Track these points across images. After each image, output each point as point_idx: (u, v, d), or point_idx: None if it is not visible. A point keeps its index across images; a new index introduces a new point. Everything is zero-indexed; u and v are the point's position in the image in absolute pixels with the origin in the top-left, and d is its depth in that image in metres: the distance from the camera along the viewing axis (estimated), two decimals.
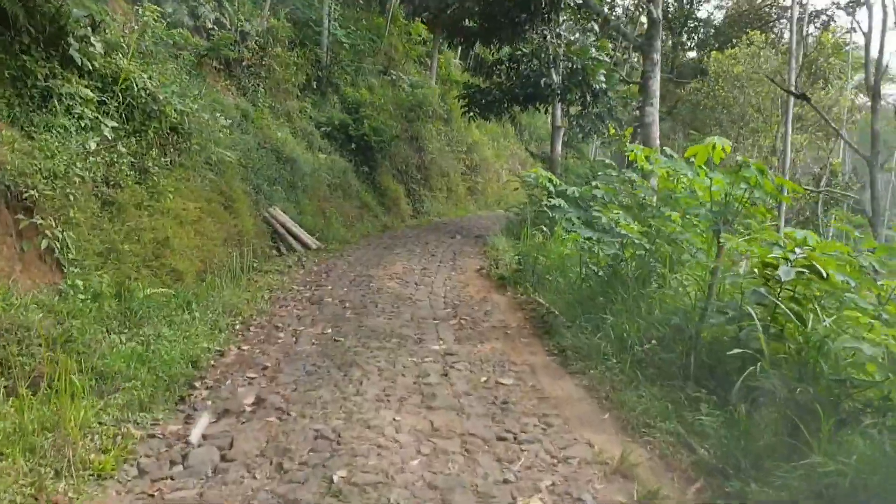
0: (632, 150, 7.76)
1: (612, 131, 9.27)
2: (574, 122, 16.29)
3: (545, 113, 17.61)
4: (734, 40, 18.89)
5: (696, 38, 26.74)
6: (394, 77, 20.92)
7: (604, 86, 14.97)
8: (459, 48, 24.44)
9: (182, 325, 6.56)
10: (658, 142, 12.11)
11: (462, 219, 20.18)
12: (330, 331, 7.17)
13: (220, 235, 9.81)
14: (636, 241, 7.00)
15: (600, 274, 8.05)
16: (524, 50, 15.68)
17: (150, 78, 8.54)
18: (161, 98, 8.58)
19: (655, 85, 10.34)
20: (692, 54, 28.15)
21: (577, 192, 10.25)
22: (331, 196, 16.03)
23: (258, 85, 15.27)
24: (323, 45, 18.51)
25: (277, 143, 14.30)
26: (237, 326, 7.28)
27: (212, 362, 5.88)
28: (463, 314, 8.08)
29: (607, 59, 15.38)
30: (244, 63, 14.87)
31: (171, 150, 9.02)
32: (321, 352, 6.31)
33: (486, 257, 12.02)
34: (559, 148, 14.31)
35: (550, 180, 11.49)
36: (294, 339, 6.90)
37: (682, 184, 7.10)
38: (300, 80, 17.23)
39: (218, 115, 11.70)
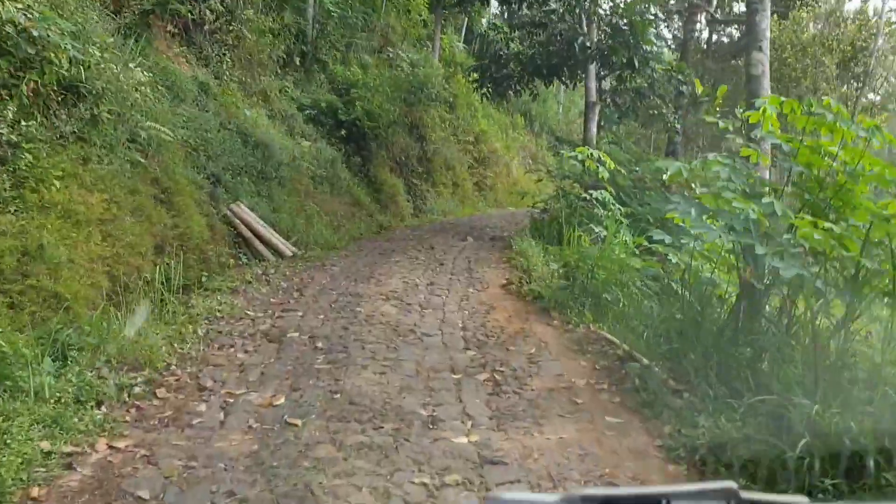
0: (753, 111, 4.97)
1: (700, 88, 6.59)
2: (608, 100, 13.54)
3: (573, 88, 14.70)
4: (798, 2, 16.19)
5: None
6: (391, 55, 18.09)
7: (655, 48, 12.20)
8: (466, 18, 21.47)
9: (23, 399, 3.77)
10: None
11: (471, 218, 17.36)
12: (283, 400, 4.36)
13: (145, 242, 6.99)
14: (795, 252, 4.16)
15: (711, 302, 5.27)
16: (553, 5, 12.84)
17: (23, 7, 5.72)
18: (42, 37, 5.75)
19: (765, 23, 7.39)
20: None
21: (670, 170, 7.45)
22: (314, 190, 13.21)
23: (224, 54, 12.46)
24: (308, 14, 15.69)
25: (245, 123, 11.48)
26: (136, 390, 4.47)
27: (35, 491, 3.05)
28: (496, 361, 5.27)
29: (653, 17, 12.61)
30: (206, 27, 12.05)
31: (64, 117, 6.19)
32: (255, 460, 3.48)
33: (512, 267, 9.21)
34: (594, 129, 11.58)
35: (602, 161, 8.68)
36: (221, 417, 4.09)
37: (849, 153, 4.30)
38: (278, 52, 14.41)
39: (160, 84, 9.00)
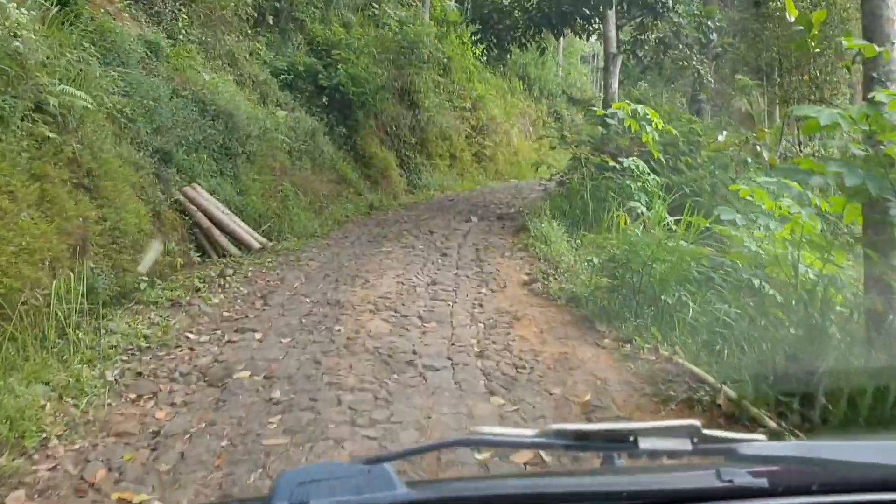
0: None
1: (794, 11, 4.80)
2: (629, 52, 11.68)
3: (586, 40, 12.69)
4: None
5: None
6: (376, 12, 16.12)
7: None
8: None
9: None
10: None
11: (472, 193, 15.56)
12: None
13: (53, 244, 5.24)
14: None
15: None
16: None
17: None
18: None
19: None
20: None
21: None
22: (291, 167, 11.41)
23: (179, 10, 10.57)
24: None
25: (204, 90, 9.63)
26: None
27: None
28: (536, 419, 3.52)
29: None
30: None
31: None
32: None
33: (531, 256, 7.46)
34: (615, 85, 9.76)
35: (648, 119, 6.91)
36: None
37: None
38: (247, 9, 12.49)
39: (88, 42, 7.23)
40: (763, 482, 0.97)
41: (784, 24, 13.57)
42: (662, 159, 7.86)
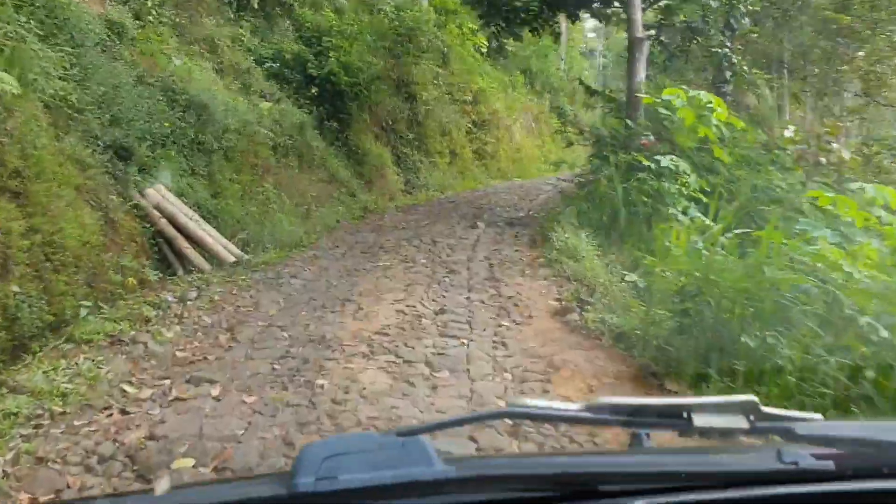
0: None
1: None
2: (653, 39, 10.43)
3: (605, 24, 11.32)
4: None
5: None
6: None
7: None
8: None
9: None
10: None
11: (475, 194, 14.35)
12: None
13: None
14: None
15: None
16: None
17: None
18: None
19: None
20: None
21: None
22: (276, 165, 10.19)
23: None
24: None
25: (174, 77, 8.40)
26: None
27: None
28: None
29: None
30: None
31: None
32: None
33: (556, 274, 6.24)
34: (642, 73, 8.50)
35: (710, 108, 5.71)
36: None
37: None
38: None
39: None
40: (829, 465, 0.90)
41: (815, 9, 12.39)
42: (727, 158, 6.64)
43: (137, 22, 8.86)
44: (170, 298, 5.33)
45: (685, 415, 0.91)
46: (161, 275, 6.14)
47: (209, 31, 10.67)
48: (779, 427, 0.95)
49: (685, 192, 7.28)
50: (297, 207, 9.71)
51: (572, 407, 0.94)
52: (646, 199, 7.27)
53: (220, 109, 8.81)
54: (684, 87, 7.88)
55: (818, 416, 1.02)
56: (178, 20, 9.75)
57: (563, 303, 5.23)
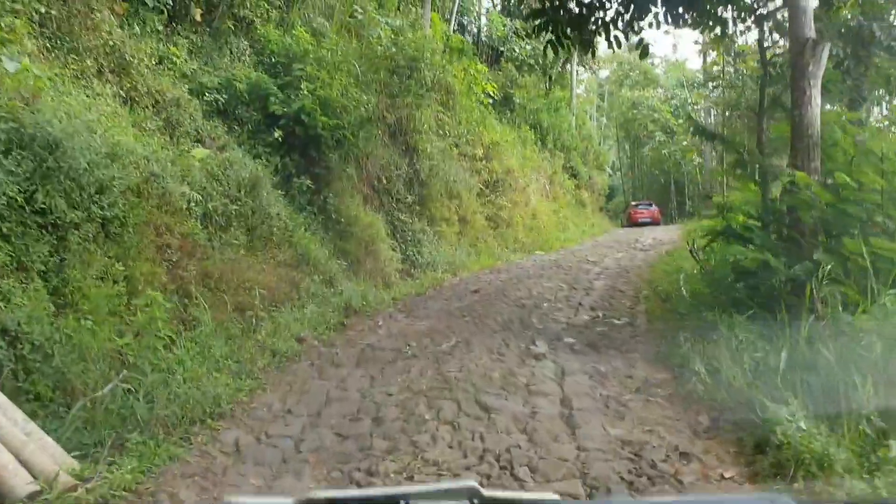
0: None
1: None
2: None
3: (730, 32, 7.44)
4: None
5: None
6: (360, 17, 11.33)
7: None
8: None
9: None
10: None
11: (498, 277, 10.58)
12: None
13: None
14: None
15: None
16: None
17: None
18: None
19: None
20: None
21: None
22: (207, 244, 6.41)
23: None
24: None
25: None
26: None
27: None
28: None
29: None
30: None
31: None
32: None
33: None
34: (817, 95, 4.96)
35: None
36: None
37: None
38: None
39: None
40: None
41: None
42: None
43: None
44: None
45: (402, 503, 0.89)
46: None
47: (113, 41, 6.99)
48: None
49: None
50: (234, 315, 5.86)
51: (286, 502, 0.91)
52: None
53: (96, 153, 5.04)
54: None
55: (552, 495, 1.00)
56: (48, 12, 6.06)
57: None
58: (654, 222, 29.32)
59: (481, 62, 17.20)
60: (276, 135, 8.67)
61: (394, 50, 10.87)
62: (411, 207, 11.52)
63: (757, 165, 6.38)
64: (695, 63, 53.33)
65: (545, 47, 7.36)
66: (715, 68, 19.57)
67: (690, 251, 7.60)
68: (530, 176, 19.11)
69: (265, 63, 9.60)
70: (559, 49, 6.78)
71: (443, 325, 6.37)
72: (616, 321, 6.67)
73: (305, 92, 8.96)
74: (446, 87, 12.29)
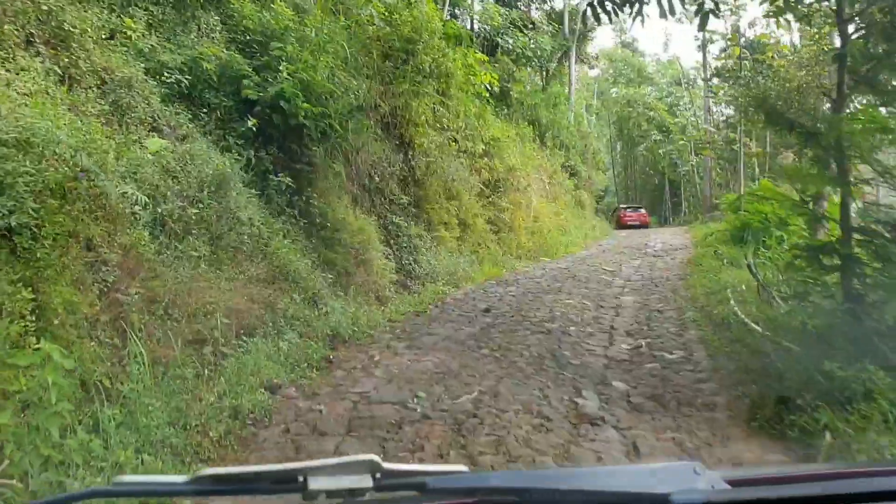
0: None
1: None
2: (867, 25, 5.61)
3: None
4: None
5: None
6: None
7: None
8: None
9: None
10: None
11: (507, 290, 9.26)
12: None
13: None
14: None
15: None
16: None
17: None
18: None
19: None
20: None
21: None
22: (157, 258, 5.03)
23: None
24: None
25: None
26: None
27: None
28: None
29: None
30: None
31: None
32: None
33: None
34: None
35: None
36: None
37: None
38: None
39: None
40: None
41: None
42: None
43: None
44: None
45: (301, 479, 0.86)
46: None
47: (49, 6, 5.60)
48: (409, 482, 0.91)
49: None
50: (186, 354, 4.49)
51: (177, 480, 0.89)
52: None
53: None
54: None
55: (462, 467, 0.99)
56: None
57: None
58: (643, 225, 29.69)
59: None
60: (250, 124, 7.29)
61: (388, 30, 9.51)
62: (407, 209, 10.16)
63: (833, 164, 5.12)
64: (688, 60, 52.41)
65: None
66: (730, 62, 18.33)
67: (748, 266, 6.30)
68: (531, 175, 17.80)
69: (238, 41, 8.22)
70: (600, 15, 5.48)
71: (456, 364, 5.03)
72: (668, 355, 5.38)
73: (285, 74, 7.61)
74: (446, 73, 10.93)
